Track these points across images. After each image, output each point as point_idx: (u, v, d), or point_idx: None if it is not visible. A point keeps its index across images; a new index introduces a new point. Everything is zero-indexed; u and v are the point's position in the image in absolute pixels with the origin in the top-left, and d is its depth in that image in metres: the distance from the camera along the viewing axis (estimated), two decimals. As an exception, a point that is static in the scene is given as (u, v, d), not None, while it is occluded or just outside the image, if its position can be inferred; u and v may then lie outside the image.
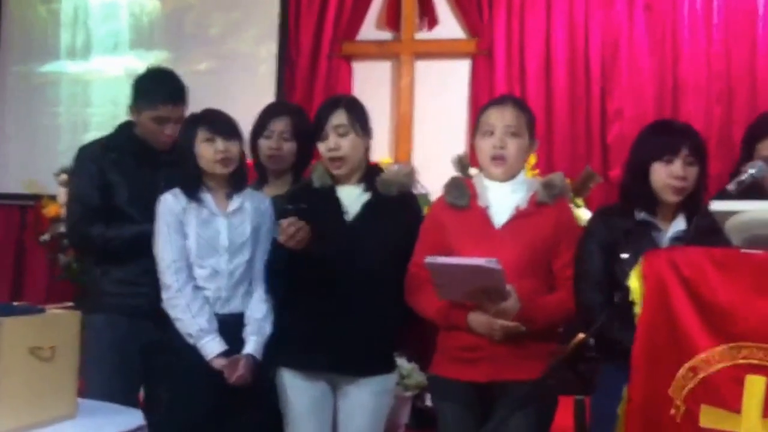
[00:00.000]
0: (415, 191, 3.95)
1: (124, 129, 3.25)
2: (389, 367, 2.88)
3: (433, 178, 3.30)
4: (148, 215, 2.92)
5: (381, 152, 5.19)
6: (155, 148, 3.17)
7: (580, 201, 3.95)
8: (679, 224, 2.62)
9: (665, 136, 2.64)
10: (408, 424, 4.00)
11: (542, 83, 5.23)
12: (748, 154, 2.74)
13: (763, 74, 4.95)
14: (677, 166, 2.58)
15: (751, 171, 2.49)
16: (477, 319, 2.60)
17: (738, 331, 2.02)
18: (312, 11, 5.54)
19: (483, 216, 2.70)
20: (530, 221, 2.67)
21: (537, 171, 4.25)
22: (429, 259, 2.54)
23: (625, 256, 2.56)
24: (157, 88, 3.15)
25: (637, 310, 2.22)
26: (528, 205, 2.70)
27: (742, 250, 2.10)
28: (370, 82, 5.46)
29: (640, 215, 2.64)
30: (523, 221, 2.68)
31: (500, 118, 2.73)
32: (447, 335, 2.72)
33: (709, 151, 4.78)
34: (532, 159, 4.30)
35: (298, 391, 2.81)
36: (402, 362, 3.88)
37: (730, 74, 4.99)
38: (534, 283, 2.63)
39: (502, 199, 2.72)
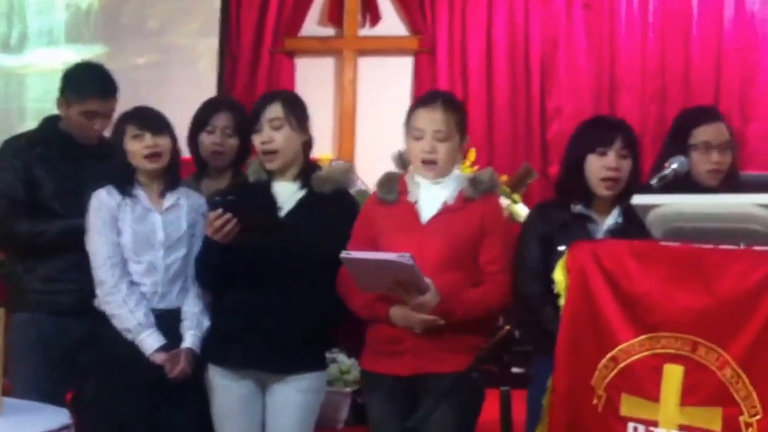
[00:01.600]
0: (355, 188, 3.97)
1: (49, 123, 3.21)
2: (320, 364, 2.87)
3: (375, 174, 3.30)
4: (74, 210, 2.90)
5: (323, 148, 5.20)
6: (81, 143, 3.14)
7: (517, 197, 4.00)
8: (615, 217, 2.67)
9: (599, 130, 2.70)
10: (347, 419, 4.00)
11: (483, 80, 5.29)
12: (680, 141, 2.78)
13: (696, 73, 5.08)
14: (611, 159, 2.63)
15: (673, 166, 2.56)
16: (397, 312, 2.62)
17: (656, 322, 2.08)
18: (254, 5, 5.52)
19: (411, 211, 2.72)
20: (456, 216, 2.69)
21: (476, 167, 4.28)
22: (344, 254, 2.56)
23: (561, 248, 2.59)
24: (87, 82, 3.11)
25: (562, 302, 2.27)
26: (455, 200, 2.72)
27: (661, 242, 2.16)
28: (313, 78, 5.46)
29: (576, 208, 2.68)
30: (449, 216, 2.70)
31: (429, 121, 2.73)
32: (373, 329, 2.74)
33: (644, 147, 4.90)
34: (472, 155, 4.34)
35: (225, 389, 2.79)
36: (342, 358, 3.89)
37: (664, 73, 5.10)
38: (458, 277, 2.65)
39: (431, 194, 2.74)
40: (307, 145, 2.96)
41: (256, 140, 2.86)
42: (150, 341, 2.78)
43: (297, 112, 2.90)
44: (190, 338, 2.82)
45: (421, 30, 5.38)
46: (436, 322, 2.58)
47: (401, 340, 2.64)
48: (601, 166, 2.63)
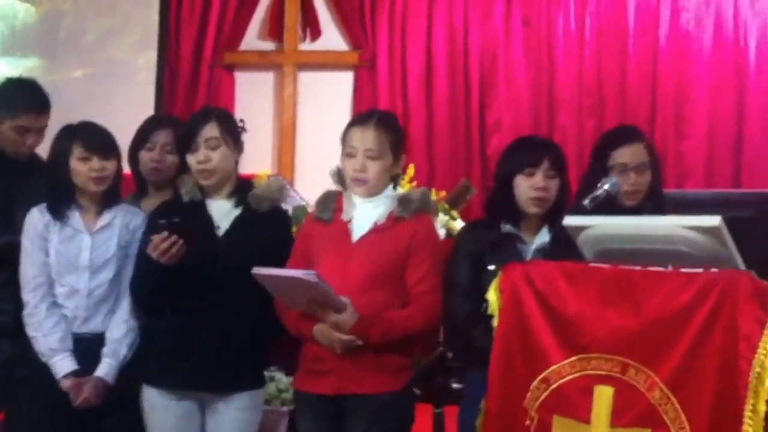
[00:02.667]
0: (293, 204, 3.95)
1: None
2: (257, 382, 2.86)
3: (315, 189, 3.29)
4: (3, 227, 2.85)
5: (263, 163, 5.18)
6: (12, 158, 3.07)
7: (455, 213, 4.02)
8: (543, 236, 2.69)
9: (527, 150, 2.73)
10: (285, 438, 3.97)
11: (423, 95, 5.31)
12: (600, 162, 2.82)
13: (632, 90, 5.16)
14: (538, 178, 2.66)
15: (606, 186, 2.59)
16: (319, 329, 2.62)
17: (587, 343, 2.10)
18: (193, 19, 5.46)
19: (344, 230, 2.73)
20: (385, 236, 2.69)
21: (415, 183, 4.30)
22: (255, 270, 2.55)
23: (491, 267, 2.61)
24: (20, 97, 3.06)
25: (495, 322, 2.28)
26: (386, 220, 2.72)
27: (592, 264, 2.18)
28: (253, 93, 5.43)
29: (506, 227, 2.71)
30: (379, 236, 2.70)
31: (362, 140, 2.73)
32: (304, 347, 2.74)
33: (582, 162, 5.05)
34: (411, 171, 4.35)
35: (161, 409, 2.76)
36: (280, 376, 3.86)
37: (601, 89, 5.18)
38: (384, 297, 2.64)
39: (364, 214, 2.74)
40: (237, 163, 2.95)
41: (191, 160, 2.84)
42: (60, 366, 2.75)
43: (232, 130, 2.90)
44: (103, 367, 2.79)
45: (361, 45, 5.38)
46: (354, 342, 2.58)
47: (325, 360, 2.64)
48: (529, 186, 2.65)
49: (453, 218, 3.97)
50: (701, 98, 5.09)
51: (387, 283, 2.66)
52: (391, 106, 5.31)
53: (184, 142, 2.86)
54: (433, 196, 4.21)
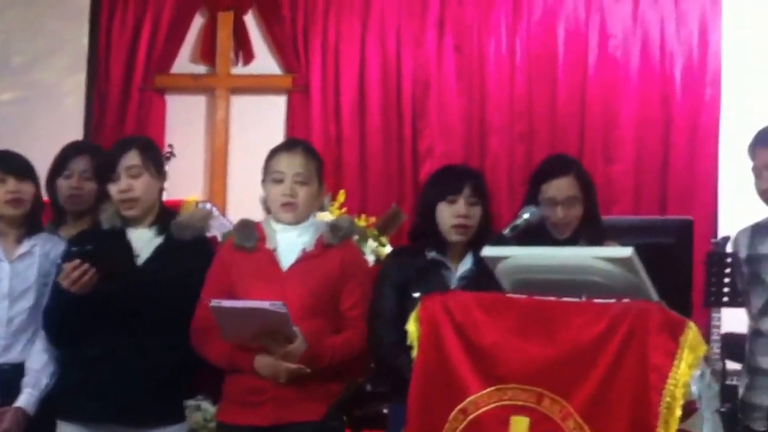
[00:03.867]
0: (223, 230, 3.91)
1: None
2: (177, 416, 2.80)
3: (247, 215, 3.26)
4: None
5: (194, 188, 5.13)
6: None
7: (385, 239, 4.01)
8: (468, 264, 2.71)
9: (448, 179, 2.77)
10: (213, 468, 3.90)
11: (356, 120, 5.32)
12: (532, 194, 2.86)
13: (562, 115, 5.24)
14: (460, 206, 2.69)
15: (525, 216, 2.62)
16: (262, 361, 2.59)
17: (503, 374, 2.11)
18: (123, 42, 5.40)
19: (270, 258, 2.72)
20: (316, 263, 2.70)
21: (345, 209, 4.29)
22: (214, 303, 2.52)
23: (416, 295, 2.61)
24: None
25: (414, 353, 2.28)
26: (315, 247, 2.73)
27: (508, 295, 2.20)
28: (184, 116, 5.39)
29: (431, 254, 2.72)
30: (310, 263, 2.70)
31: (290, 165, 2.75)
32: (232, 379, 2.70)
33: (513, 188, 5.12)
34: (341, 196, 4.34)
35: (78, 444, 2.69)
36: (206, 405, 3.79)
37: (532, 115, 5.24)
38: (320, 323, 2.65)
39: (290, 241, 2.74)
40: (161, 190, 2.92)
41: (113, 189, 2.80)
42: None
43: (154, 158, 2.88)
44: (23, 397, 2.73)
45: (294, 69, 5.38)
46: (303, 371, 2.57)
47: (262, 390, 2.61)
48: (451, 214, 2.68)
49: (382, 244, 3.97)
50: (629, 125, 5.19)
51: (323, 310, 2.67)
52: (324, 130, 5.32)
53: (105, 171, 2.82)
54: (363, 222, 4.22)
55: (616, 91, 5.23)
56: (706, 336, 3.97)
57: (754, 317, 2.93)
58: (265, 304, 2.49)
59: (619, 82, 5.23)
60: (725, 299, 3.57)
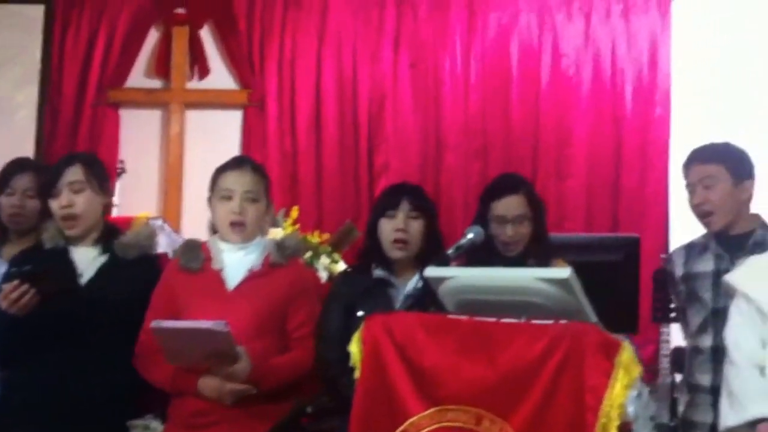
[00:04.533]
0: (173, 247, 3.88)
1: None
2: (122, 439, 2.78)
3: (202, 232, 3.25)
4: None
5: (148, 204, 5.09)
6: None
7: (338, 256, 4.02)
8: (414, 282, 2.70)
9: (388, 195, 2.82)
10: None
11: (312, 136, 5.32)
12: (482, 212, 2.89)
13: (516, 132, 5.28)
14: (399, 220, 2.72)
15: (469, 236, 2.64)
16: (207, 383, 2.58)
17: (444, 395, 2.12)
18: (77, 55, 5.34)
19: (216, 278, 2.71)
20: (263, 282, 2.70)
21: (298, 225, 4.29)
22: (155, 324, 2.51)
23: (360, 314, 2.62)
24: None
25: (357, 374, 2.28)
26: (262, 266, 2.72)
27: (450, 316, 2.21)
28: (139, 131, 5.35)
29: (377, 273, 2.73)
30: (257, 282, 2.70)
31: (239, 183, 2.74)
32: (177, 402, 2.68)
33: (468, 204, 5.14)
34: (294, 213, 4.33)
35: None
36: (156, 425, 3.75)
37: (486, 132, 5.28)
38: (267, 343, 2.65)
39: (237, 261, 2.73)
40: (108, 207, 2.91)
41: (54, 205, 2.77)
42: None
43: (98, 174, 2.86)
44: None
45: (250, 84, 5.37)
46: (249, 392, 2.56)
47: (209, 412, 2.60)
48: (390, 229, 2.72)
49: (335, 261, 3.97)
50: (581, 142, 5.24)
51: (270, 330, 2.67)
52: (280, 146, 5.31)
53: (47, 187, 2.79)
54: (317, 238, 4.22)
55: (568, 108, 5.29)
56: (656, 351, 4.04)
57: (692, 335, 2.98)
58: (207, 324, 2.47)
59: (571, 100, 5.29)
60: (672, 315, 3.62)
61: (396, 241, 2.71)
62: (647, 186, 5.16)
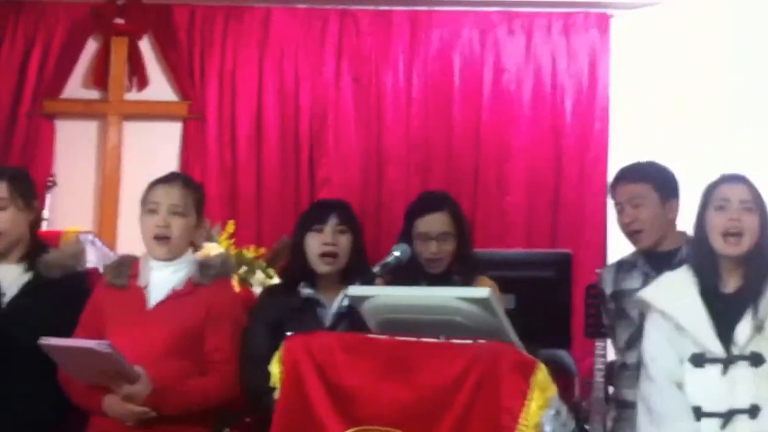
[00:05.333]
0: (104, 263, 3.80)
1: None
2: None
3: (139, 247, 3.19)
4: None
5: (83, 218, 5.00)
6: None
7: (272, 272, 3.97)
8: (341, 300, 2.68)
9: (316, 210, 2.81)
10: None
11: (253, 149, 5.28)
12: (407, 229, 2.89)
13: (458, 147, 5.30)
14: (327, 234, 2.69)
15: (396, 253, 2.63)
16: (110, 402, 2.52)
17: (363, 415, 2.11)
18: (12, 65, 5.24)
19: (140, 296, 2.65)
20: (183, 302, 2.64)
21: (233, 241, 4.24)
22: (43, 341, 2.45)
23: (289, 334, 2.58)
24: None
25: (277, 395, 2.25)
26: (184, 285, 2.67)
27: (370, 335, 2.19)
28: (75, 143, 5.26)
29: (305, 291, 2.70)
30: (176, 302, 2.64)
31: (166, 196, 2.70)
32: (92, 420, 2.62)
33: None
34: (231, 227, 4.28)
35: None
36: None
37: (428, 146, 5.29)
38: (184, 365, 2.58)
39: (163, 279, 2.68)
40: (35, 223, 2.84)
41: None
42: None
43: (24, 190, 2.79)
44: None
45: (190, 96, 5.31)
46: (148, 414, 2.49)
47: None
48: (318, 243, 2.69)
49: (270, 276, 3.93)
50: (521, 157, 5.27)
51: (187, 352, 2.59)
52: (220, 159, 5.26)
53: None
54: (253, 253, 4.17)
55: (509, 123, 5.32)
56: (591, 365, 4.07)
57: (621, 350, 3.01)
58: (90, 344, 2.42)
59: (512, 115, 5.32)
60: (604, 330, 3.65)
61: (324, 254, 2.68)
62: (586, 201, 5.21)
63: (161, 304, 2.63)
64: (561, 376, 4.50)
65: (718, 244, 2.48)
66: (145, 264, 2.72)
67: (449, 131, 5.31)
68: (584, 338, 3.91)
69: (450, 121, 5.31)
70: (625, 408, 2.93)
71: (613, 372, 3.81)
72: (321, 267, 2.68)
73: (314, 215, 2.75)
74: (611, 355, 3.87)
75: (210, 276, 2.68)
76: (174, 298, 2.64)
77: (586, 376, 4.25)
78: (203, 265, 2.70)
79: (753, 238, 2.47)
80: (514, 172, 5.27)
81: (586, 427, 3.77)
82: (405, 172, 5.27)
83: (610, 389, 3.94)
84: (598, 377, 3.95)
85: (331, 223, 2.70)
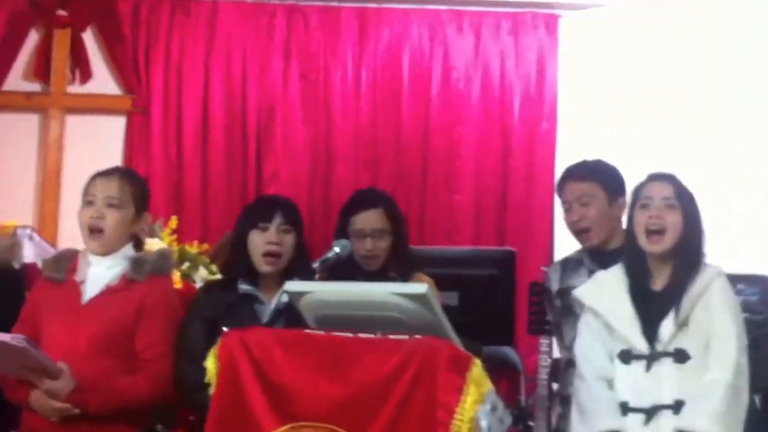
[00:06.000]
0: (43, 257, 3.72)
1: None
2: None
3: (80, 240, 3.11)
4: None
5: (23, 213, 4.88)
6: None
7: (215, 267, 3.92)
8: (278, 296, 2.66)
9: (260, 207, 2.76)
10: None
11: (199, 144, 5.20)
12: (342, 226, 2.87)
13: (406, 145, 5.28)
14: (271, 233, 2.66)
15: (336, 249, 2.62)
16: (35, 397, 2.48)
17: (298, 412, 2.09)
18: (-50, 56, 5.10)
19: (76, 291, 2.61)
20: (116, 298, 2.60)
21: (175, 236, 4.18)
22: None
23: (226, 329, 2.54)
24: None
25: (212, 391, 2.22)
26: (119, 281, 2.62)
27: (307, 331, 2.17)
28: (15, 136, 5.12)
29: (243, 287, 2.67)
30: (109, 298, 2.60)
31: (103, 188, 2.67)
32: (23, 415, 2.58)
33: None
34: (173, 222, 4.22)
35: None
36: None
37: (376, 143, 5.26)
38: (113, 363, 2.54)
39: (99, 274, 2.64)
40: None
41: None
42: None
43: None
44: None
45: (134, 90, 5.21)
46: (70, 411, 2.45)
47: (40, 429, 2.50)
48: (262, 242, 2.65)
49: (213, 273, 3.88)
50: (469, 155, 5.27)
51: (117, 349, 2.56)
52: (165, 154, 5.18)
53: None
54: (196, 249, 4.12)
55: (458, 121, 5.31)
56: (535, 362, 4.08)
57: (567, 348, 3.01)
58: (4, 337, 2.38)
59: (461, 113, 5.31)
60: (547, 327, 3.66)
61: (268, 254, 2.64)
62: (533, 199, 5.23)
63: (94, 299, 2.60)
64: (506, 373, 4.56)
65: (642, 241, 2.51)
66: (83, 259, 2.68)
67: (398, 128, 5.29)
68: (528, 335, 3.94)
69: (399, 119, 5.29)
70: (569, 404, 2.93)
71: (558, 369, 3.85)
72: (263, 267, 2.66)
73: (259, 212, 2.71)
74: (556, 352, 3.92)
75: (144, 272, 2.63)
76: (107, 293, 2.60)
77: (531, 373, 4.28)
78: (137, 261, 2.65)
79: (675, 235, 2.49)
80: (463, 170, 5.27)
81: (531, 423, 3.79)
82: (353, 168, 5.24)
83: (555, 386, 3.99)
84: (543, 374, 3.97)
85: (276, 222, 2.66)
